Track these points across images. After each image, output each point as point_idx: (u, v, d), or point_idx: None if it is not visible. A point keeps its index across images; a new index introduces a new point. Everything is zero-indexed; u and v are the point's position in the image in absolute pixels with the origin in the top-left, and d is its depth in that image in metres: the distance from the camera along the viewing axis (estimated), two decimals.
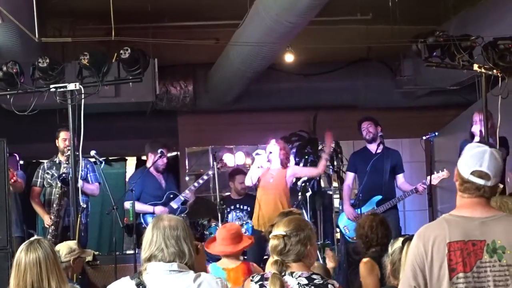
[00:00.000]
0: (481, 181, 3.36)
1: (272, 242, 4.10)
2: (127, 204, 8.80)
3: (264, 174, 8.74)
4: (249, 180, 8.84)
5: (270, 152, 8.73)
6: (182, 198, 9.22)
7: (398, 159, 9.13)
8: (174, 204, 9.16)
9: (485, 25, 8.42)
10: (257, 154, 8.80)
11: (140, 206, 9.01)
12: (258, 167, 8.74)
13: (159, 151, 9.22)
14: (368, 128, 9.07)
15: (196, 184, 9.44)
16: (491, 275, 3.28)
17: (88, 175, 8.64)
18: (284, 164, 8.75)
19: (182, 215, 8.94)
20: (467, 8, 9.20)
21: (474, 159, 3.37)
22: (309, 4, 7.33)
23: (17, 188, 8.35)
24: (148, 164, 9.40)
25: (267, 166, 8.74)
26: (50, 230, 8.26)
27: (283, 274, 4.01)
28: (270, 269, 4.15)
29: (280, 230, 4.11)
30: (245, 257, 6.16)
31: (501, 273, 3.28)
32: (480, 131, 7.81)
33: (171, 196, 9.24)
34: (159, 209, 9.05)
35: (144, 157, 10.40)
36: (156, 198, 9.17)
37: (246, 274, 5.39)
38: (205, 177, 9.37)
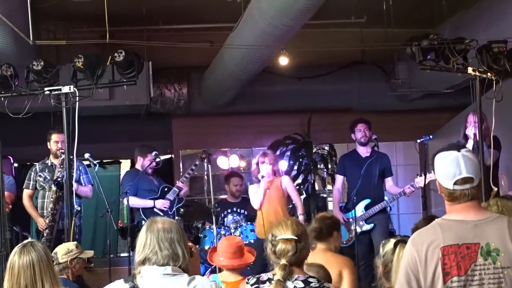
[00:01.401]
0: (467, 186, 3.33)
1: (283, 246, 4.01)
2: (126, 201, 8.87)
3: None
4: (256, 204, 8.69)
5: (263, 176, 8.62)
6: (177, 190, 9.28)
7: (387, 163, 9.10)
8: (170, 196, 9.21)
9: (479, 28, 8.43)
10: (263, 176, 8.66)
11: (139, 201, 9.15)
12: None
13: (153, 153, 9.24)
14: (364, 131, 9.01)
15: (187, 175, 9.53)
16: (486, 278, 3.25)
17: (81, 177, 8.60)
18: (273, 172, 8.70)
19: (176, 218, 8.98)
20: (461, 11, 9.20)
21: (451, 168, 3.34)
22: (304, 7, 7.33)
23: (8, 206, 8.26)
24: (138, 167, 9.46)
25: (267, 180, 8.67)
26: (44, 234, 8.23)
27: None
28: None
29: (289, 234, 4.03)
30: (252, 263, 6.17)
31: (495, 276, 3.25)
32: (474, 134, 7.80)
33: (166, 189, 9.29)
34: (159, 202, 9.15)
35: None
36: (152, 193, 9.24)
37: None
38: (194, 167, 9.47)
